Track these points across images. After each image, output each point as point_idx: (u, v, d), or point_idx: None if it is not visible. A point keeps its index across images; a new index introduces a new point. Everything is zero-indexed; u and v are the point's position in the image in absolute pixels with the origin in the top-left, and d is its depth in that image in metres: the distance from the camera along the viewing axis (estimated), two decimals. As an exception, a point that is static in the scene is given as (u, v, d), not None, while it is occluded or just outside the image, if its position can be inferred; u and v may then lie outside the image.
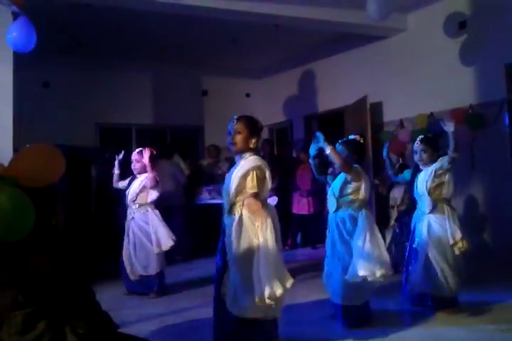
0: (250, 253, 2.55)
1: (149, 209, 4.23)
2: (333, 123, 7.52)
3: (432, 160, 3.47)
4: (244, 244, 2.57)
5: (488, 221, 5.41)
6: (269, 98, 8.91)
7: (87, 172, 5.81)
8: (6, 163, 1.80)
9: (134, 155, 4.37)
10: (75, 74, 7.56)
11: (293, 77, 8.38)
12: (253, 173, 2.60)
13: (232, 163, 2.91)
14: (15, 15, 4.08)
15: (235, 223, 2.60)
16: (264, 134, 8.82)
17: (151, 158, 4.28)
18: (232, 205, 2.67)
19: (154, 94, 8.35)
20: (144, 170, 4.31)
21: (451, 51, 5.69)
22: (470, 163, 5.45)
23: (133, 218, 4.21)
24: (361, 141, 3.38)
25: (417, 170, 3.70)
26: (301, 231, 6.81)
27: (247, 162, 2.66)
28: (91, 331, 1.64)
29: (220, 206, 2.92)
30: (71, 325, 1.61)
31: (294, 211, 6.61)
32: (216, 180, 6.28)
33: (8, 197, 1.61)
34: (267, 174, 2.68)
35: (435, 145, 3.52)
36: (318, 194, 6.49)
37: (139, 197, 4.24)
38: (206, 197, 6.30)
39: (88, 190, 5.72)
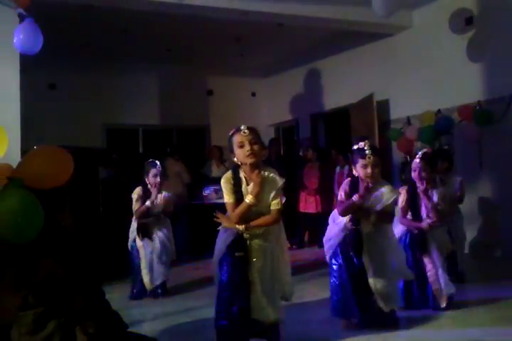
0: (281, 256, 2.72)
1: (167, 219, 4.37)
2: (339, 122, 7.50)
3: (430, 179, 3.31)
4: (282, 248, 2.77)
5: (496, 218, 5.37)
6: (275, 97, 8.90)
7: (95, 174, 5.83)
8: (14, 165, 1.81)
9: (159, 170, 4.18)
10: (81, 76, 7.60)
11: (298, 75, 8.37)
12: (280, 190, 2.56)
13: (235, 173, 2.58)
14: (21, 18, 4.10)
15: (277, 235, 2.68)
16: (271, 133, 8.84)
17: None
18: None
19: (160, 95, 8.36)
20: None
21: (457, 47, 5.65)
22: (478, 160, 5.42)
23: (165, 227, 4.26)
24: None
25: (412, 190, 3.41)
26: (309, 230, 6.79)
27: (276, 178, 2.55)
28: (101, 331, 1.65)
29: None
30: (81, 325, 1.62)
31: (301, 209, 6.60)
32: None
33: (16, 198, 1.62)
34: None
35: (435, 164, 3.45)
36: (326, 192, 6.47)
37: (165, 208, 4.29)
38: (213, 197, 6.30)
39: (96, 191, 5.74)
